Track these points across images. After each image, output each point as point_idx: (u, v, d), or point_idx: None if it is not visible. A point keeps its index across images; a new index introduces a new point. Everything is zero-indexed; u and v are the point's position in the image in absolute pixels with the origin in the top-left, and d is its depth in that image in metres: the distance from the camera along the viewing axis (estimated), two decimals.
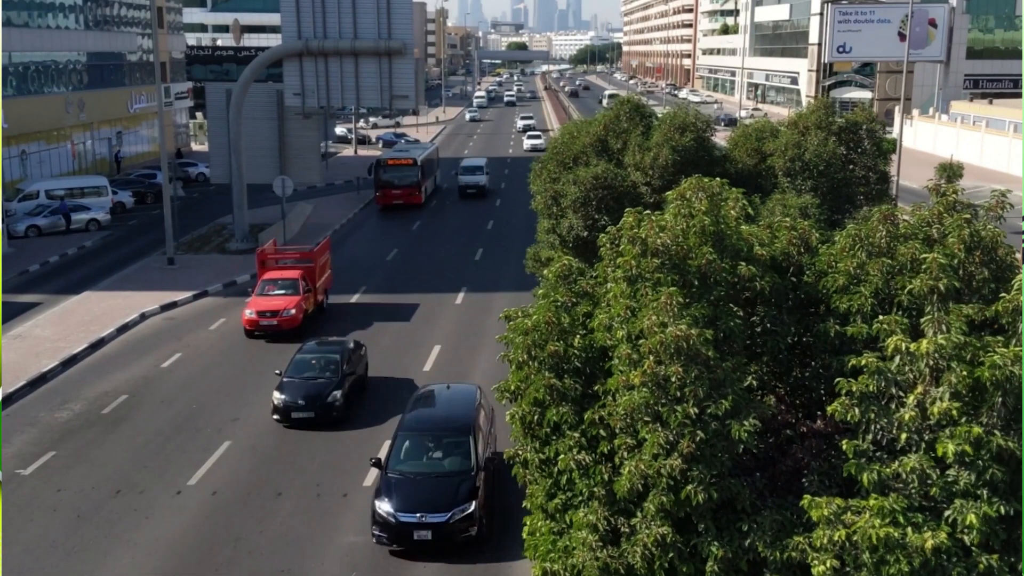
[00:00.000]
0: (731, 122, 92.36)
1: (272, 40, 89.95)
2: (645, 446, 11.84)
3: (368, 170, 60.44)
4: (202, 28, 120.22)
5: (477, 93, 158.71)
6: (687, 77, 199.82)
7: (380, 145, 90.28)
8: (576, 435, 12.96)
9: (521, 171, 60.72)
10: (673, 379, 11.76)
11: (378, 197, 56.87)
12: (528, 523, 14.77)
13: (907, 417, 11.09)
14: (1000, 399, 10.79)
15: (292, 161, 46.28)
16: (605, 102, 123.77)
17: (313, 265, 33.70)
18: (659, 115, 28.27)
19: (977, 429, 10.60)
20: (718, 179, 14.43)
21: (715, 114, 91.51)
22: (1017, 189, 21.12)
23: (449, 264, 42.86)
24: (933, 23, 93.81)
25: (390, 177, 56.56)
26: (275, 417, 24.71)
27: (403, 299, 36.81)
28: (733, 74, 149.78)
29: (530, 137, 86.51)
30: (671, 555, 11.74)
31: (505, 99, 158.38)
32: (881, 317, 12.03)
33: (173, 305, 35.81)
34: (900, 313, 12.24)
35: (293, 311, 31.53)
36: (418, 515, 18.36)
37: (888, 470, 10.99)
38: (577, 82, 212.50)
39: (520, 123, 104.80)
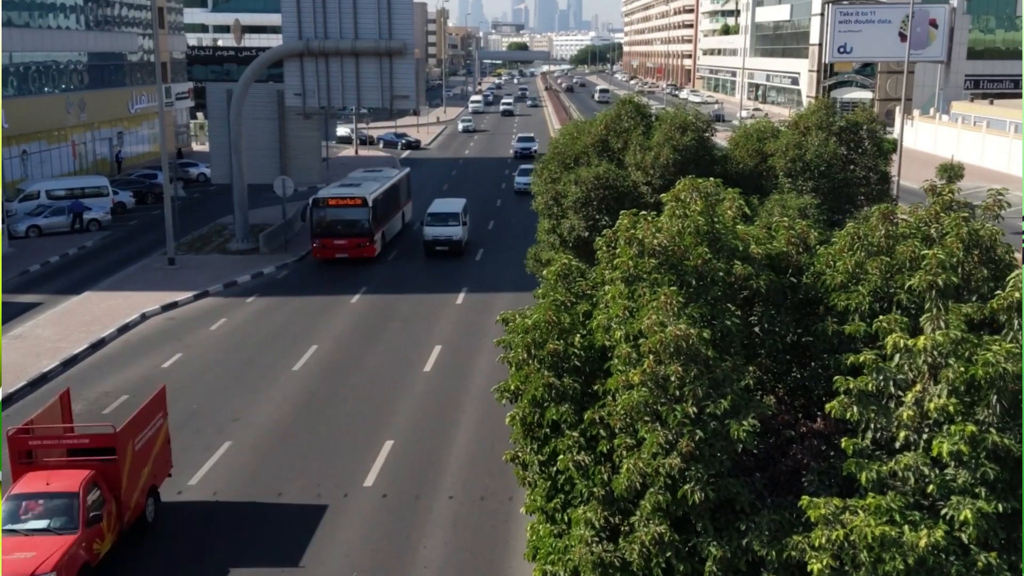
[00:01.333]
0: (718, 118, 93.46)
1: (273, 40, 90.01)
2: (644, 445, 11.86)
3: (301, 214, 45.09)
4: (203, 28, 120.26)
5: (473, 98, 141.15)
6: (688, 77, 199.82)
7: (381, 145, 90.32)
8: (575, 434, 12.98)
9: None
10: (673, 378, 11.77)
11: (315, 249, 42.14)
12: (530, 526, 14.83)
13: (906, 416, 11.10)
14: (994, 397, 10.80)
15: (293, 161, 46.33)
16: (597, 96, 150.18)
17: (117, 461, 17.94)
18: (658, 114, 28.30)
19: (971, 428, 10.61)
20: (712, 179, 14.46)
21: (711, 113, 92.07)
22: (1017, 189, 21.14)
23: (450, 264, 42.88)
24: (934, 23, 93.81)
25: (332, 221, 42.02)
26: None
27: (401, 301, 36.82)
28: (734, 74, 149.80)
29: (524, 172, 58.33)
30: (669, 554, 11.76)
31: (502, 107, 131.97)
32: (881, 316, 12.05)
33: (174, 305, 35.82)
34: (899, 312, 12.25)
35: None
36: None
37: (885, 468, 11.01)
38: (574, 79, 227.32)
39: (517, 145, 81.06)
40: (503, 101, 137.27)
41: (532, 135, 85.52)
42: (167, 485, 21.35)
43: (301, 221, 44.97)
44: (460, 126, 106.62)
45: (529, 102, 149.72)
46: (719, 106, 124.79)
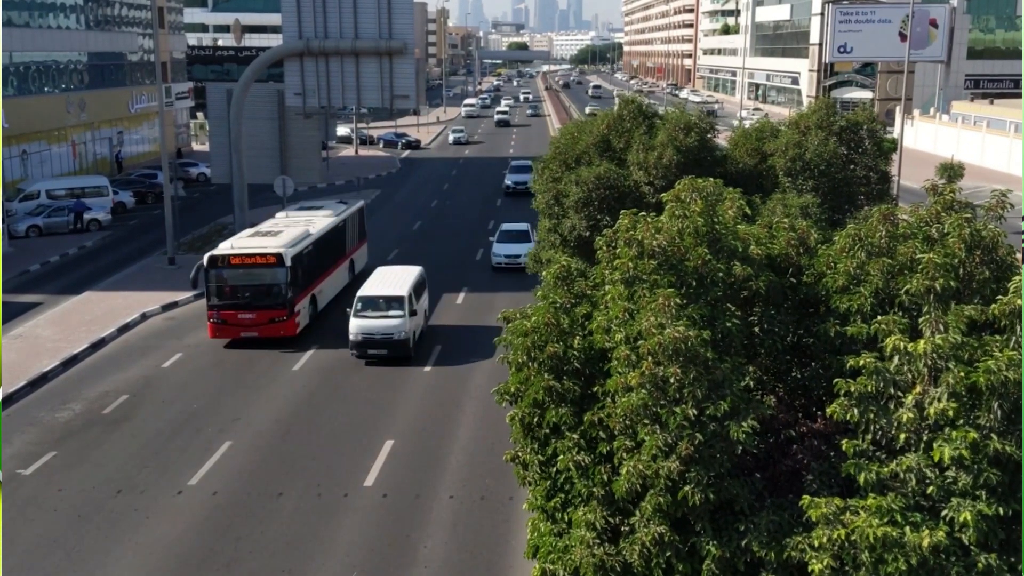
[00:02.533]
0: (710, 114, 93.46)
1: (273, 40, 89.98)
2: (644, 447, 11.84)
3: (193, 278, 32.48)
4: (203, 28, 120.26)
5: (466, 101, 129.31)
6: (688, 77, 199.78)
7: (381, 145, 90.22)
8: (575, 436, 12.97)
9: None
10: (672, 380, 11.75)
11: (212, 326, 30.70)
12: (531, 523, 14.82)
13: (905, 418, 11.08)
14: (996, 404, 10.77)
15: (293, 161, 46.30)
16: (590, 91, 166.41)
17: None
18: (659, 113, 28.28)
19: (973, 434, 10.58)
20: (712, 180, 14.40)
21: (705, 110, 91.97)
22: (1018, 189, 21.10)
23: (450, 263, 42.83)
24: (934, 23, 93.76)
25: (234, 287, 30.80)
26: None
27: None
28: (734, 74, 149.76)
29: (511, 236, 42.79)
30: (668, 554, 11.75)
31: (496, 116, 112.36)
32: (879, 317, 12.01)
33: (174, 305, 35.81)
34: (900, 313, 12.21)
35: None
36: None
37: (886, 470, 10.99)
38: (571, 77, 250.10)
39: (509, 178, 61.54)
40: (498, 109, 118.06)
41: (530, 163, 58.42)
42: (167, 486, 21.36)
43: (193, 288, 33.90)
44: (451, 137, 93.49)
45: (530, 109, 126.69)
46: (719, 106, 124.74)
